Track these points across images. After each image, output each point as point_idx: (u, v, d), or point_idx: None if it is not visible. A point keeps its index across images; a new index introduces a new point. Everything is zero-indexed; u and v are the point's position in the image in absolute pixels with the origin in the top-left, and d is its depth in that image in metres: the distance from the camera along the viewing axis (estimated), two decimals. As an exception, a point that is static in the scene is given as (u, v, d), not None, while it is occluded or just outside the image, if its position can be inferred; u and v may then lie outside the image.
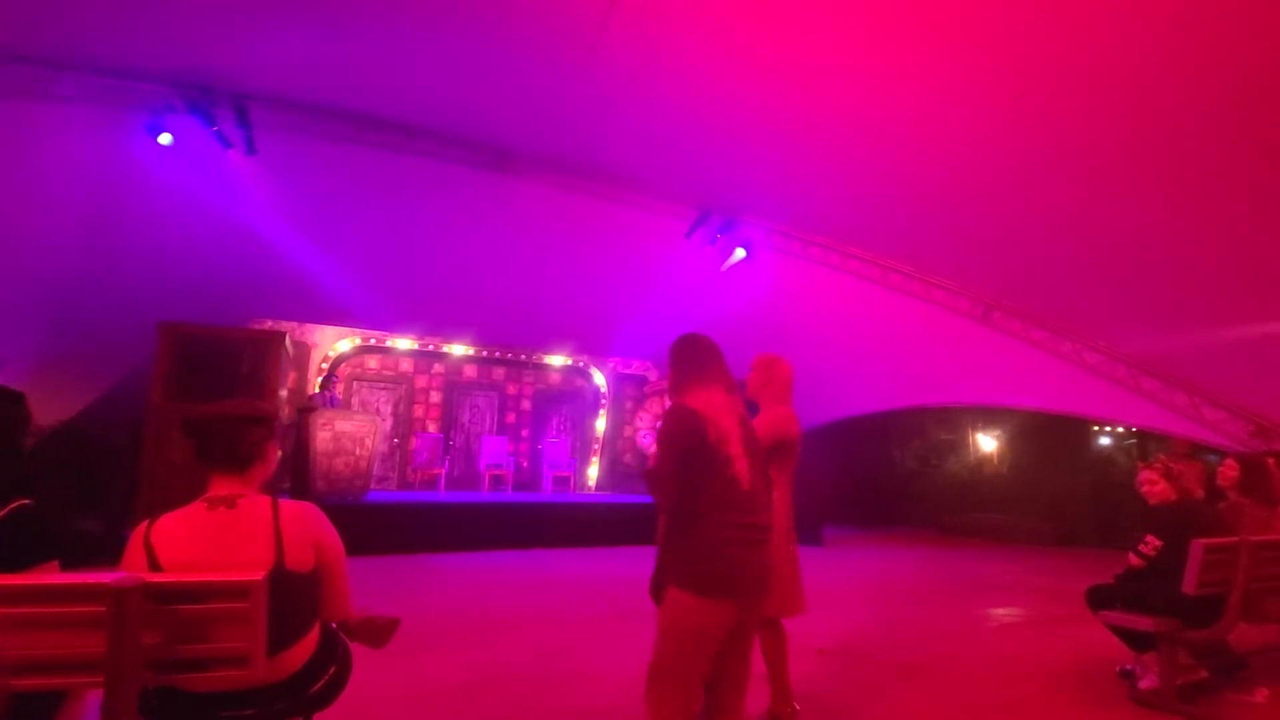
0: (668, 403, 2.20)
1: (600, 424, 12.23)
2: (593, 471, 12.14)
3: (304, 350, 10.16)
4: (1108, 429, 12.17)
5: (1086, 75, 4.62)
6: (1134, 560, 3.50)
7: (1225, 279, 6.10)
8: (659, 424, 2.13)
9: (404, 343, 11.01)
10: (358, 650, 2.00)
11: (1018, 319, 8.17)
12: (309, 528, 1.78)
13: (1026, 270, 7.37)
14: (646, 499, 9.91)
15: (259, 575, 1.52)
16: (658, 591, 2.09)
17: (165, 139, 6.02)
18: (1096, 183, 5.67)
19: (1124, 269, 6.53)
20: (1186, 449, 5.40)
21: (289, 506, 1.77)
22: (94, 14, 4.95)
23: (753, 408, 2.80)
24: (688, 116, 6.15)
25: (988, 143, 5.63)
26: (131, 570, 1.58)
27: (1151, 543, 3.43)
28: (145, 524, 1.67)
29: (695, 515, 2.01)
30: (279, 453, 1.93)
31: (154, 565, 1.60)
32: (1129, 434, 11.75)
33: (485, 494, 10.20)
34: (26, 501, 1.65)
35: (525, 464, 11.84)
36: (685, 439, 2.02)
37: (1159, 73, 4.42)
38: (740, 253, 8.57)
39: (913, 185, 6.51)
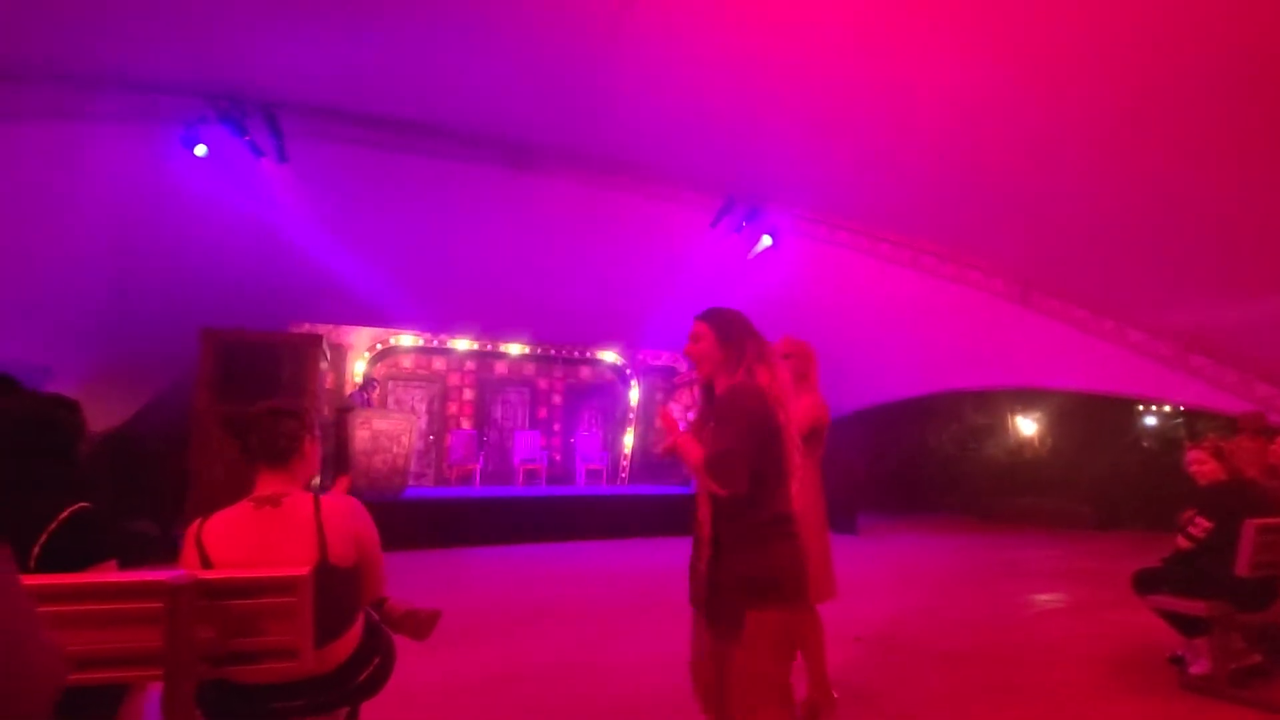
0: (730, 378, 1.97)
1: (631, 415, 12.28)
2: (625, 464, 12.20)
3: (340, 351, 10.38)
4: (1154, 408, 11.80)
5: (1119, 35, 4.44)
6: (1183, 543, 3.40)
7: (1274, 246, 5.85)
8: (736, 400, 1.87)
9: (436, 341, 11.19)
10: (400, 642, 2.06)
11: (1056, 298, 7.95)
12: (350, 523, 1.84)
13: (1064, 248, 7.17)
14: (678, 490, 9.92)
15: (304, 571, 1.58)
16: (731, 611, 1.82)
17: (200, 150, 6.19)
18: (1135, 152, 5.48)
19: (1166, 242, 6.31)
20: (1257, 424, 5.07)
21: (330, 503, 1.83)
22: (125, 32, 5.10)
23: None
24: (709, 104, 6.11)
25: (1018, 115, 5.47)
26: (188, 568, 1.66)
27: (1201, 524, 3.33)
28: (197, 524, 1.75)
29: (769, 514, 1.85)
30: (319, 450, 1.99)
31: (205, 563, 1.67)
32: (1176, 413, 11.38)
33: (519, 488, 10.33)
34: (85, 505, 1.73)
35: (558, 458, 11.95)
36: (764, 421, 1.84)
37: (1197, 29, 4.24)
38: (766, 240, 8.49)
39: (942, 165, 6.37)
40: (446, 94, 6.25)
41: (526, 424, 11.95)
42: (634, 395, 12.29)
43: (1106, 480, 10.69)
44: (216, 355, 6.88)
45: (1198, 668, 3.34)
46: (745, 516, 1.84)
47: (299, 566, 1.61)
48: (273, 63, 5.68)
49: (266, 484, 1.82)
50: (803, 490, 2.70)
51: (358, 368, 10.45)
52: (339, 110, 6.52)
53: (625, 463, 12.19)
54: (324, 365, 7.97)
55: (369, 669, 1.86)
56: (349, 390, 9.90)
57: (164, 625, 1.48)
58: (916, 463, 14.00)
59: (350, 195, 7.48)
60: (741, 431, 1.81)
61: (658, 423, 12.12)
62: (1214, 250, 6.14)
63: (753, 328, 2.03)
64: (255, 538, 1.72)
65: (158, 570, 1.58)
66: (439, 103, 6.42)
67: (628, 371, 12.48)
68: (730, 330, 2.00)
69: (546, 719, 2.87)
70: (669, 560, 6.88)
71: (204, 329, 6.93)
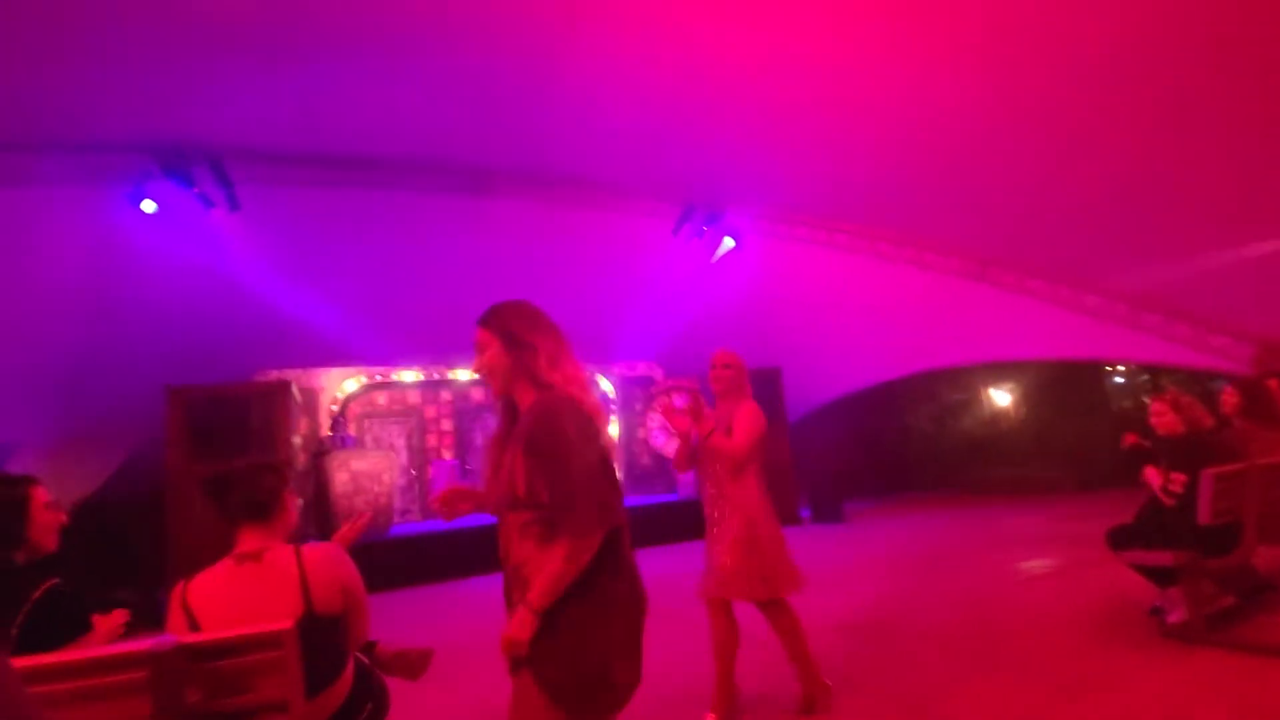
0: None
1: (613, 430, 12.30)
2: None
3: (312, 395, 10.26)
4: (1120, 370, 12.15)
5: (1051, 18, 4.63)
6: (1167, 501, 3.48)
7: (1212, 205, 6.11)
8: (551, 423, 1.51)
9: (409, 374, 11.14)
10: (394, 684, 2.08)
11: (1013, 272, 8.19)
12: (334, 570, 1.86)
13: (1017, 224, 7.39)
14: (665, 498, 9.97)
15: (288, 624, 1.60)
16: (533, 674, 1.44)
17: (149, 206, 6.13)
18: (1074, 127, 5.69)
19: (1113, 209, 6.54)
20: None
21: (311, 552, 1.85)
22: (64, 94, 5.06)
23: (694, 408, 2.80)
24: (661, 115, 6.21)
25: (963, 101, 5.64)
26: (176, 630, 1.69)
27: (1177, 479, 3.42)
28: (181, 586, 1.77)
29: (600, 567, 1.46)
30: (298, 502, 2.01)
31: (193, 624, 1.69)
32: (1141, 371, 11.73)
33: (508, 513, 10.27)
34: (54, 581, 1.74)
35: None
36: (594, 442, 1.53)
37: (1123, 8, 4.43)
38: (729, 242, 8.63)
39: (893, 153, 6.54)
40: (395, 128, 6.27)
41: (509, 448, 11.91)
42: (614, 409, 12.33)
43: (1081, 444, 10.96)
44: (184, 412, 6.80)
45: (1175, 616, 3.46)
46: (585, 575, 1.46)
47: (283, 620, 1.63)
48: (215, 112, 5.66)
49: (247, 540, 1.83)
50: (754, 493, 2.78)
51: (331, 409, 10.35)
52: (287, 154, 6.50)
53: (612, 476, 12.20)
54: (295, 411, 7.89)
55: (362, 716, 1.88)
56: (323, 433, 9.80)
57: (151, 693, 1.49)
58: (897, 445, 14.21)
59: (306, 236, 7.44)
60: (573, 462, 1.47)
61: (639, 435, 12.17)
62: (1158, 214, 6.38)
63: (546, 321, 1.71)
64: (240, 595, 1.74)
65: (142, 638, 1.59)
66: (388, 137, 6.44)
67: (605, 385, 12.51)
68: (516, 332, 1.65)
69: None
70: (661, 570, 6.92)
71: (169, 387, 6.85)
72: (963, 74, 5.28)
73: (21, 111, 5.17)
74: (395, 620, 5.46)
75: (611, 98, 5.93)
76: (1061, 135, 5.77)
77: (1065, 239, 7.30)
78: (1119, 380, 12.46)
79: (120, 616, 1.87)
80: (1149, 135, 5.57)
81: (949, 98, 5.59)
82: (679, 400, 10.16)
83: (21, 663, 1.50)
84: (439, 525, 9.43)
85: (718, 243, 8.71)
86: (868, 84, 5.52)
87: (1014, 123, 5.77)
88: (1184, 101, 5.13)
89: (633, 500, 10.52)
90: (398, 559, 7.45)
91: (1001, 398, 13.42)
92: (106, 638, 1.81)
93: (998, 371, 13.14)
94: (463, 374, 11.52)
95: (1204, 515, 3.18)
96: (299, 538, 1.94)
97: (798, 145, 6.62)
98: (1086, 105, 5.41)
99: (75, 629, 1.74)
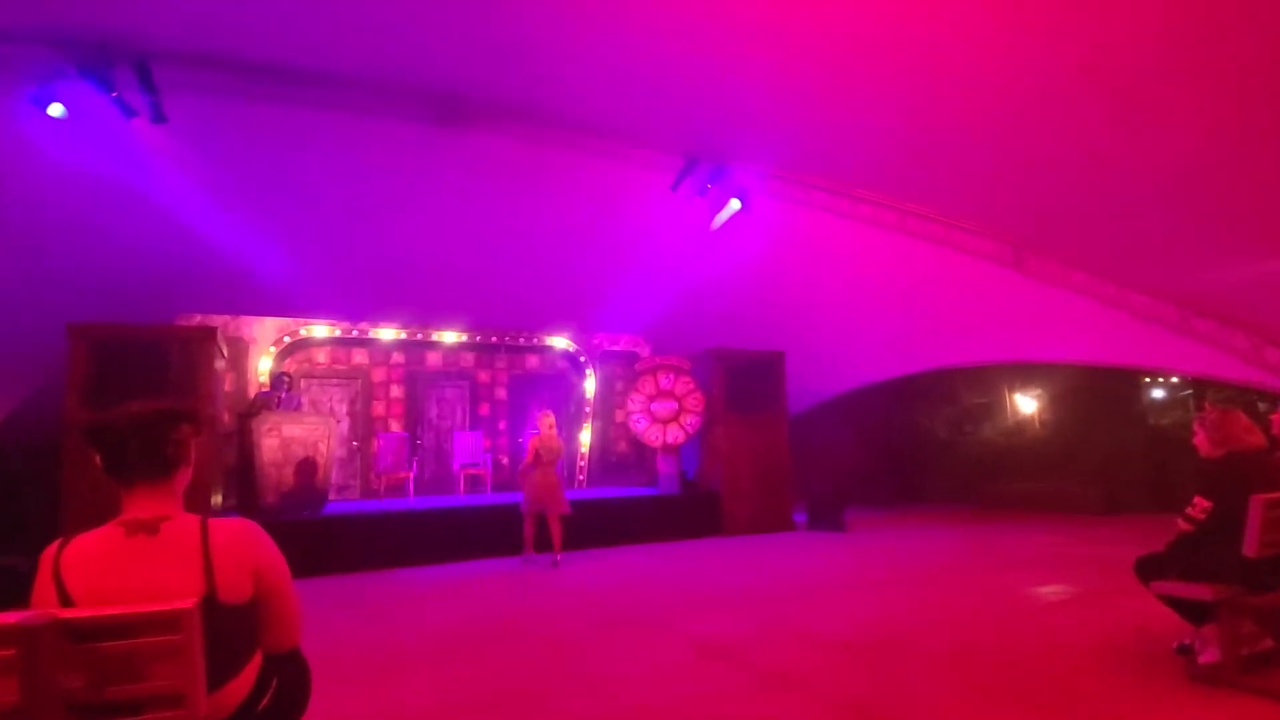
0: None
1: (588, 409, 12.26)
2: (581, 464, 12.20)
3: (241, 347, 10.09)
4: (1160, 381, 12.29)
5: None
6: (1183, 525, 3.53)
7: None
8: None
9: (356, 331, 10.98)
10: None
11: (1053, 261, 8.18)
12: (246, 552, 1.77)
13: (1060, 207, 7.36)
14: (642, 491, 9.96)
15: (189, 603, 1.52)
16: None
17: (56, 110, 5.90)
18: (1132, 104, 5.64)
19: (1168, 199, 6.53)
20: None
21: (221, 528, 1.76)
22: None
23: None
24: (666, 50, 6.06)
25: (1009, 63, 5.57)
26: (42, 602, 1.59)
27: (1200, 504, 3.46)
28: (55, 548, 1.68)
29: None
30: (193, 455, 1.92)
31: (64, 598, 1.60)
32: (1183, 385, 11.87)
33: (460, 497, 10.24)
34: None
35: (504, 460, 11.88)
36: None
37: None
38: (735, 204, 8.51)
39: (926, 115, 6.46)
40: (356, 37, 6.05)
41: (466, 423, 11.84)
42: (590, 386, 12.27)
43: (1112, 460, 11.11)
44: (88, 354, 6.63)
45: (1207, 656, 3.50)
46: None
47: (182, 599, 1.55)
48: (145, 3, 5.43)
49: (140, 504, 1.74)
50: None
51: (263, 365, 10.18)
52: (226, 59, 6.26)
53: (582, 463, 12.18)
54: (220, 363, 7.74)
55: (269, 693, 1.81)
56: (254, 391, 9.64)
57: (19, 675, 1.42)
58: (908, 449, 14.34)
59: (244, 161, 7.22)
60: None
61: (618, 417, 12.06)
62: (1224, 204, 6.38)
63: None
64: (125, 569, 1.66)
65: (14, 611, 1.51)
66: (347, 48, 6.22)
67: (582, 359, 12.44)
68: None
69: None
70: (630, 571, 6.94)
71: (71, 324, 6.66)
72: (1013, 28, 5.19)
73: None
74: (326, 611, 5.41)
75: (611, 24, 5.77)
76: (1120, 103, 5.71)
77: (1115, 227, 7.29)
78: (1159, 393, 12.61)
79: None
80: (1223, 113, 5.52)
81: (995, 54, 5.51)
82: (665, 381, 10.11)
83: None
84: (380, 505, 9.36)
85: (722, 204, 8.59)
86: (903, 30, 5.41)
87: (1068, 86, 5.70)
88: (1266, 73, 5.08)
89: (607, 493, 10.48)
90: (332, 541, 7.37)
91: (1026, 404, 13.53)
92: None
93: (1024, 374, 13.22)
94: (418, 334, 11.39)
95: (1250, 547, 3.20)
96: (220, 513, 1.87)
97: (821, 93, 6.51)
98: (1148, 77, 5.34)
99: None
